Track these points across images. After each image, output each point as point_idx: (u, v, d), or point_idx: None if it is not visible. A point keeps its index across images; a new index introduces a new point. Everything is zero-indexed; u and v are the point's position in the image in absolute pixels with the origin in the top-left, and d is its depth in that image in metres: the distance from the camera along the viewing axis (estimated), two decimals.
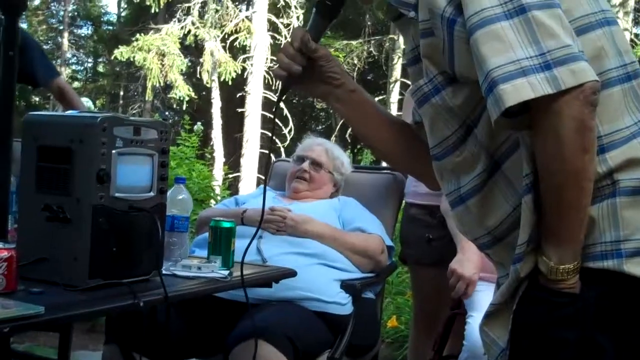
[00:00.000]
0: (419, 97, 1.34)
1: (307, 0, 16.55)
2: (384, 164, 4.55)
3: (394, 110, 15.48)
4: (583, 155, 1.10)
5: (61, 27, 24.76)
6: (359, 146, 17.33)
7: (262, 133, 15.67)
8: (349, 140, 17.38)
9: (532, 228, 1.17)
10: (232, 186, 13.83)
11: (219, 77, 16.29)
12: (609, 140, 1.18)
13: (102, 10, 27.77)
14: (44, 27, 24.70)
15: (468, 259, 2.61)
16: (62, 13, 25.25)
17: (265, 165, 3.17)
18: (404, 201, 3.24)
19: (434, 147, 1.36)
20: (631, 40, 12.52)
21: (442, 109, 1.30)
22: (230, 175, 13.80)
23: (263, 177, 14.82)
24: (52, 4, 25.90)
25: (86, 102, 5.33)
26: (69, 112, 2.27)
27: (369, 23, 16.62)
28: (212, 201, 7.33)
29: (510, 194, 1.25)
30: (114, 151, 1.77)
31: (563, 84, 1.05)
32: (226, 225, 2.20)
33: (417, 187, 3.00)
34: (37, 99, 24.19)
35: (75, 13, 26.46)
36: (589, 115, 1.08)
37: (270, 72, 15.28)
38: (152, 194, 1.88)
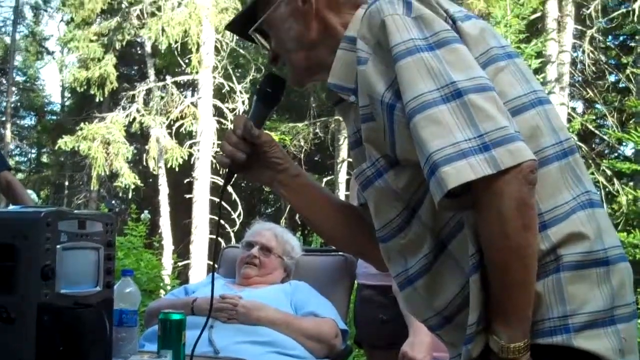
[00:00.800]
0: (362, 181, 1.36)
1: (252, 85, 16.81)
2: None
3: (342, 191, 15.62)
4: (525, 233, 1.12)
5: (4, 119, 24.49)
6: (309, 228, 17.34)
7: (210, 218, 15.55)
8: (299, 223, 17.37)
9: (481, 307, 1.18)
10: (182, 274, 13.60)
11: (165, 164, 16.23)
12: (550, 216, 1.21)
13: (46, 100, 27.65)
14: None
15: (420, 342, 2.58)
16: (4, 104, 25.03)
17: (214, 252, 3.14)
18: (356, 282, 3.23)
19: (380, 230, 1.37)
20: (568, 114, 12.98)
21: (385, 191, 1.32)
22: (180, 263, 13.60)
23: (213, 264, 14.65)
24: None
25: (30, 193, 5.24)
26: (12, 208, 2.23)
27: (313, 105, 16.91)
28: (162, 291, 7.18)
29: (458, 274, 1.26)
30: (58, 246, 1.73)
31: (502, 164, 1.08)
32: (176, 317, 2.15)
33: (368, 268, 2.99)
34: None
35: (18, 104, 26.27)
36: (529, 194, 1.11)
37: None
38: (98, 288, 1.84)
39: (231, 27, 1.61)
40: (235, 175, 1.57)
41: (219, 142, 15.22)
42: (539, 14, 13.64)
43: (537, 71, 10.97)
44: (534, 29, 13.89)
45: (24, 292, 1.69)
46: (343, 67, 1.37)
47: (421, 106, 1.14)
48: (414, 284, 1.33)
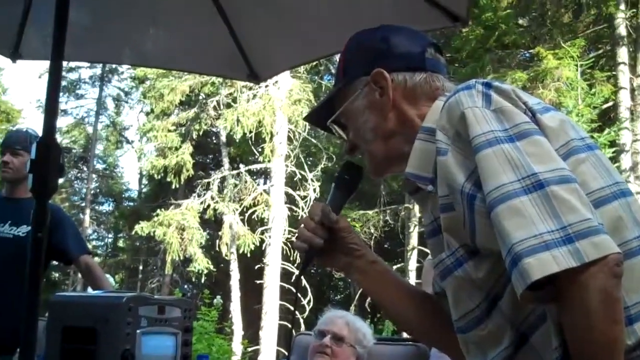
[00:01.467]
0: (441, 270, 1.35)
1: (323, 173, 17.03)
2: (405, 335, 4.47)
3: (412, 278, 15.41)
4: (612, 326, 1.09)
5: (83, 204, 25.47)
6: (379, 315, 17.07)
7: (281, 304, 15.54)
8: (369, 310, 17.16)
9: None
10: None
11: (237, 250, 16.46)
12: (636, 310, 1.17)
13: (124, 187, 28.68)
14: (67, 204, 25.41)
15: None
16: (84, 190, 26.07)
17: (289, 341, 3.11)
18: None
19: (458, 320, 1.35)
20: None
21: (465, 281, 1.30)
22: (250, 349, 13.54)
23: (283, 350, 14.52)
24: (75, 182, 26.83)
25: (107, 277, 5.37)
26: (94, 292, 2.29)
27: (383, 193, 16.98)
28: None
29: None
30: (138, 331, 1.77)
31: (586, 256, 1.06)
32: None
33: (442, 357, 2.93)
34: (56, 275, 24.38)
35: (98, 190, 27.30)
36: (615, 287, 1.08)
37: (289, 244, 15.44)
38: None
39: (309, 118, 1.66)
40: (312, 260, 1.58)
41: (291, 228, 15.38)
42: (610, 103, 13.52)
43: (611, 160, 10.75)
44: (607, 118, 13.74)
45: None
46: (421, 157, 1.38)
47: (503, 197, 1.13)
48: None
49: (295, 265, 14.89)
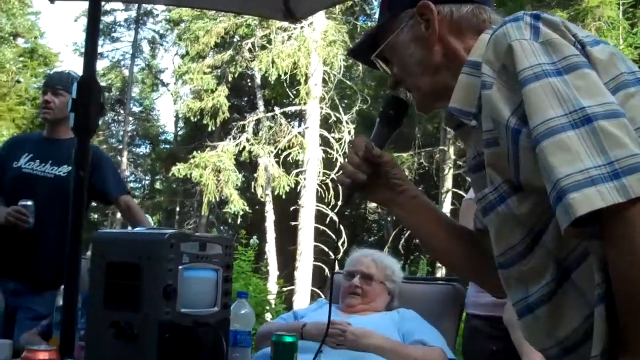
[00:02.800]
0: (483, 206, 1.35)
1: (358, 115, 16.95)
2: (439, 275, 4.49)
3: None
4: None
5: (121, 147, 25.78)
6: (412, 257, 17.19)
7: (315, 245, 15.71)
8: (402, 251, 17.26)
9: (606, 340, 1.13)
10: (286, 299, 13.75)
11: (272, 191, 16.58)
12: None
13: (160, 130, 28.90)
14: (104, 146, 25.73)
15: None
16: (121, 133, 26.36)
17: (330, 282, 3.15)
18: (464, 312, 3.17)
19: (500, 256, 1.35)
20: None
21: (508, 217, 1.30)
22: (285, 289, 13.76)
23: (317, 290, 14.73)
24: (112, 125, 27.12)
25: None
26: (137, 229, 2.33)
27: (418, 135, 16.86)
28: (268, 315, 7.29)
29: (581, 304, 1.22)
30: (180, 267, 1.80)
31: (633, 192, 1.04)
32: (288, 339, 2.18)
33: (478, 297, 2.94)
34: (95, 215, 24.89)
35: (134, 133, 27.57)
36: None
37: (323, 186, 15.50)
38: (216, 309, 1.90)
39: (353, 53, 1.64)
40: (355, 194, 1.59)
41: (325, 171, 15.42)
42: None
43: None
44: None
45: (147, 310, 1.76)
46: (465, 91, 1.36)
47: (549, 131, 1.12)
48: (535, 312, 1.29)
49: (332, 208, 14.97)
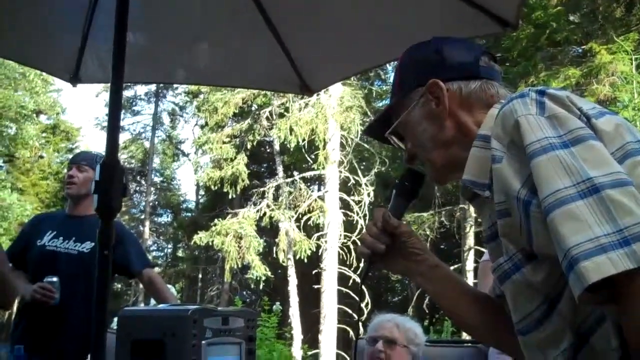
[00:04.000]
0: (499, 275, 1.37)
1: (377, 177, 17.01)
2: (464, 336, 4.46)
3: (470, 278, 15.25)
4: None
5: (143, 217, 25.98)
6: (437, 316, 16.96)
7: (339, 308, 15.58)
8: (427, 311, 17.06)
9: None
10: None
11: (294, 256, 16.57)
12: None
13: (181, 199, 29.15)
14: (127, 217, 25.97)
15: None
16: (143, 203, 26.60)
17: (353, 349, 3.14)
18: None
19: (518, 322, 1.36)
20: None
21: (523, 285, 1.32)
22: (309, 353, 13.61)
23: (342, 353, 14.51)
24: (134, 195, 27.39)
25: (169, 288, 5.48)
26: (161, 306, 2.36)
27: (438, 194, 16.86)
28: None
29: None
30: (203, 342, 1.82)
31: None
32: None
33: (500, 358, 2.93)
34: (119, 285, 24.93)
35: (156, 202, 27.81)
36: None
37: (345, 248, 15.47)
38: None
39: (368, 131, 1.70)
40: (375, 265, 1.61)
41: (346, 233, 15.41)
42: None
43: None
44: None
45: None
46: (477, 163, 1.40)
47: (558, 202, 1.14)
48: None
49: (353, 269, 14.90)
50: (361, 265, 13.59)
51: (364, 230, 1.57)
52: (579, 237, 1.11)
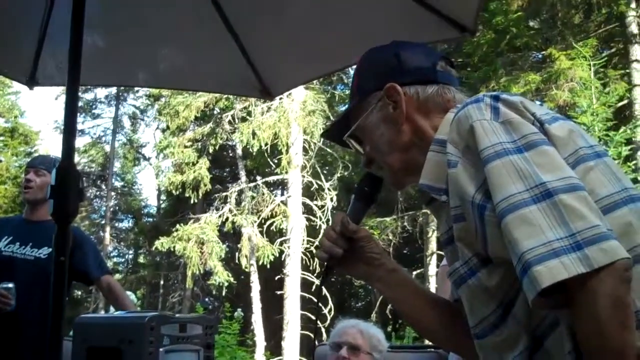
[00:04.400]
0: (455, 279, 1.38)
1: (340, 182, 17.05)
2: (427, 342, 4.49)
3: (432, 284, 15.37)
4: (623, 331, 1.10)
5: (103, 222, 25.65)
6: (400, 322, 17.04)
7: (302, 314, 15.55)
8: (390, 316, 17.13)
9: None
10: None
11: (257, 261, 16.50)
12: None
13: (142, 204, 28.84)
14: (87, 222, 25.61)
15: None
16: (104, 208, 26.27)
17: (312, 350, 3.13)
18: None
19: (475, 327, 1.38)
20: None
21: (479, 289, 1.33)
22: None
23: None
24: (94, 200, 27.03)
25: (129, 294, 5.42)
26: (117, 313, 2.33)
27: (400, 199, 16.95)
28: None
29: None
30: (161, 349, 1.80)
31: (595, 262, 1.08)
32: None
33: None
34: (79, 292, 24.56)
35: (117, 207, 27.48)
36: (625, 292, 1.10)
37: (308, 254, 15.46)
38: None
39: (327, 134, 1.70)
40: (333, 269, 1.61)
41: (309, 238, 15.40)
42: (625, 101, 13.43)
43: (627, 158, 10.66)
44: (622, 116, 13.62)
45: None
46: (434, 168, 1.41)
47: (512, 207, 1.16)
48: None
49: (316, 274, 14.90)
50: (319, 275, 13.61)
51: (322, 235, 1.57)
52: (532, 241, 1.12)
